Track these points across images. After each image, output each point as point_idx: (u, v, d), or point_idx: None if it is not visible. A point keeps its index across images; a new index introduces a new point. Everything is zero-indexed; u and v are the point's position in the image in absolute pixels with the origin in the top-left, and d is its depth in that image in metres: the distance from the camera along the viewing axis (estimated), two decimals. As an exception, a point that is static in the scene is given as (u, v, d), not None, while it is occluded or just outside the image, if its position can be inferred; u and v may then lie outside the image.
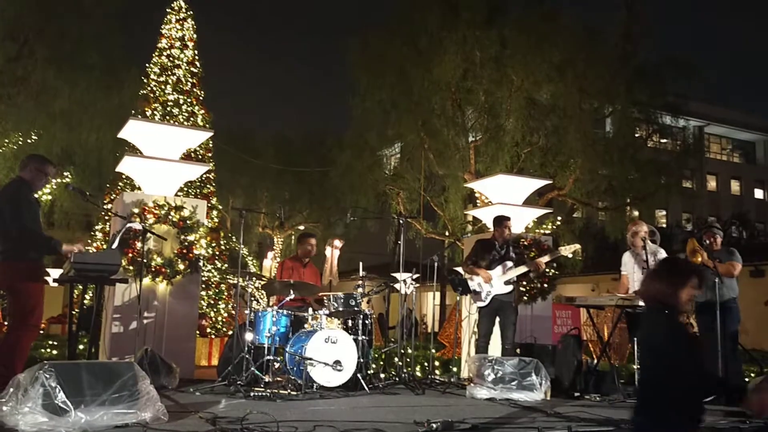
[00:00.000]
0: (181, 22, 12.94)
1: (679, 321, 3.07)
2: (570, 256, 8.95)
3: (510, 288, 7.01)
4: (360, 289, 7.01)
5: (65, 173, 13.27)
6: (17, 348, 4.96)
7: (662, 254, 6.56)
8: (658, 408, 2.83)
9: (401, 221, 7.85)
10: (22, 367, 4.93)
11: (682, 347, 2.93)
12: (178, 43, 12.76)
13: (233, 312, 10.92)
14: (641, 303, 5.88)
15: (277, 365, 6.27)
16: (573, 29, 14.45)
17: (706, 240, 6.84)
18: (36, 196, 5.39)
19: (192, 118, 12.36)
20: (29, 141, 12.53)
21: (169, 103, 12.26)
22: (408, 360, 7.48)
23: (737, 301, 6.70)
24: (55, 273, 5.63)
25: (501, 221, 7.24)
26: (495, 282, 6.99)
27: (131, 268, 6.68)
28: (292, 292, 6.53)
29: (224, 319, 11.57)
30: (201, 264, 7.36)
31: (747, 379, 6.31)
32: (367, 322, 6.71)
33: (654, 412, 2.85)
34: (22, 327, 5.01)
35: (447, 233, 16.11)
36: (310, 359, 5.88)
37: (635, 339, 3.23)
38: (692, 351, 3.05)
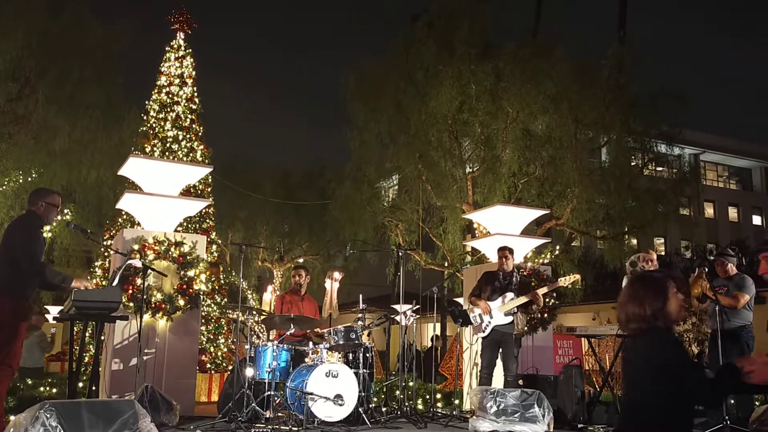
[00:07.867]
0: (180, 59, 13.10)
1: (676, 337, 2.98)
2: (569, 286, 8.96)
3: (510, 319, 7.01)
4: (360, 322, 7.01)
5: (65, 211, 13.30)
6: None
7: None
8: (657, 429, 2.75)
9: (400, 253, 7.91)
10: (1, 407, 4.85)
11: (688, 363, 2.86)
12: (177, 81, 12.89)
13: (233, 347, 10.85)
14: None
15: (277, 400, 6.24)
16: (567, 62, 14.66)
17: (717, 267, 6.75)
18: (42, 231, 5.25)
19: (191, 154, 12.44)
20: (29, 179, 12.59)
21: (169, 140, 12.35)
22: (409, 393, 7.44)
23: (748, 329, 6.52)
24: (54, 310, 5.61)
25: (502, 252, 7.29)
26: (495, 313, 6.99)
27: (131, 304, 6.68)
28: (292, 326, 6.53)
29: (224, 354, 11.49)
30: (201, 299, 7.36)
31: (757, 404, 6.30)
32: (368, 355, 6.70)
33: None
34: None
35: (446, 264, 16.10)
36: (311, 394, 5.86)
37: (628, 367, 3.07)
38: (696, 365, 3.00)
